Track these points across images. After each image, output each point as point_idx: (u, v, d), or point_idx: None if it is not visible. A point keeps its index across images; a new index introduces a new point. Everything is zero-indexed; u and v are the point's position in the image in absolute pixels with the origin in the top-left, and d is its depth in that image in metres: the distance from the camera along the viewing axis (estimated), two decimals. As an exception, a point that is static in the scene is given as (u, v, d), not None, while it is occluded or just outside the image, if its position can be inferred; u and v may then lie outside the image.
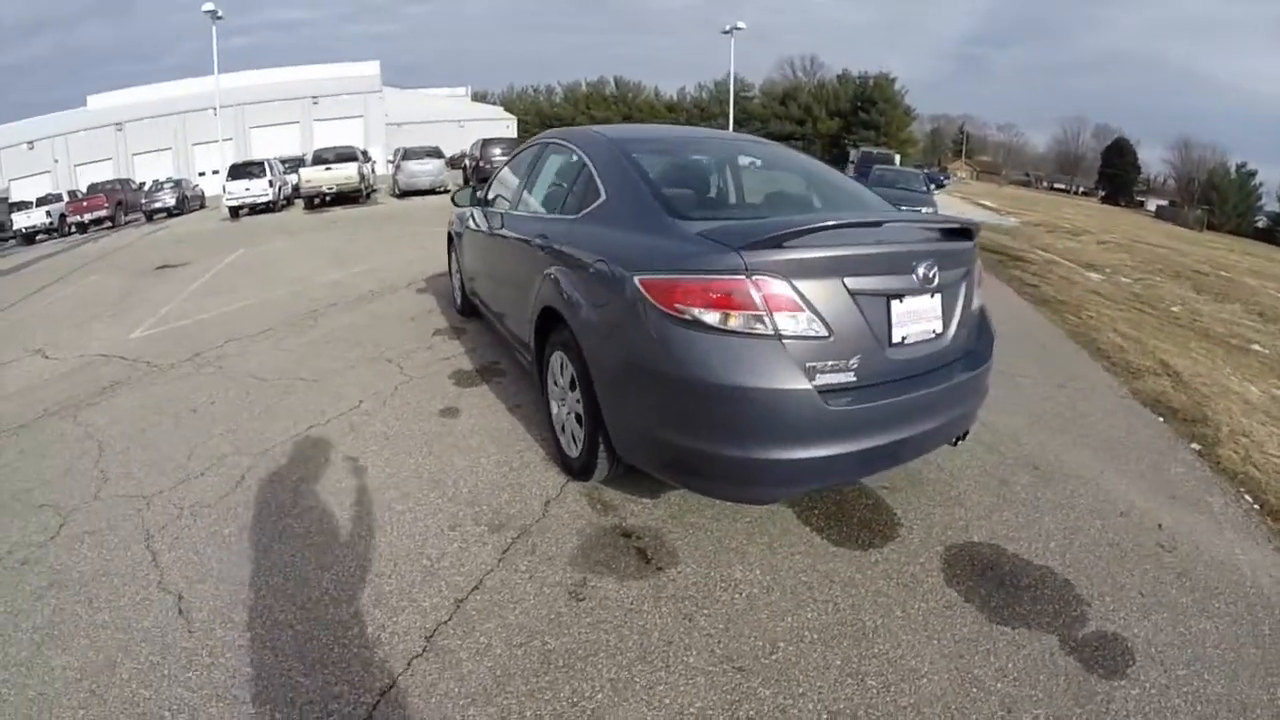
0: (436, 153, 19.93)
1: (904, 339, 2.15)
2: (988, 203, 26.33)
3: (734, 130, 33.54)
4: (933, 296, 2.23)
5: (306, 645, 1.99)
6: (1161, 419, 3.73)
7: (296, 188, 18.69)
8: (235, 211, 18.44)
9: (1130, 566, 2.33)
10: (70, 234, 21.44)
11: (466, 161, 20.31)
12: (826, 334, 1.98)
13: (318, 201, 18.46)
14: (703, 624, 1.94)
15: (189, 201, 23.91)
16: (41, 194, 25.30)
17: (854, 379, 2.04)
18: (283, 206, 19.61)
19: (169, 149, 36.34)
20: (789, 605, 2.06)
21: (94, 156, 35.16)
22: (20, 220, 22.13)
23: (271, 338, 5.86)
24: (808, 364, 1.96)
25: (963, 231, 2.45)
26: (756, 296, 1.91)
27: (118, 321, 7.26)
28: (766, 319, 1.92)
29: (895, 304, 2.13)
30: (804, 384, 1.94)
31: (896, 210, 2.89)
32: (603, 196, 2.54)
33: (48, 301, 9.27)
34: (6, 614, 2.29)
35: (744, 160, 3.42)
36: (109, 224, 22.14)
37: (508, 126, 39.69)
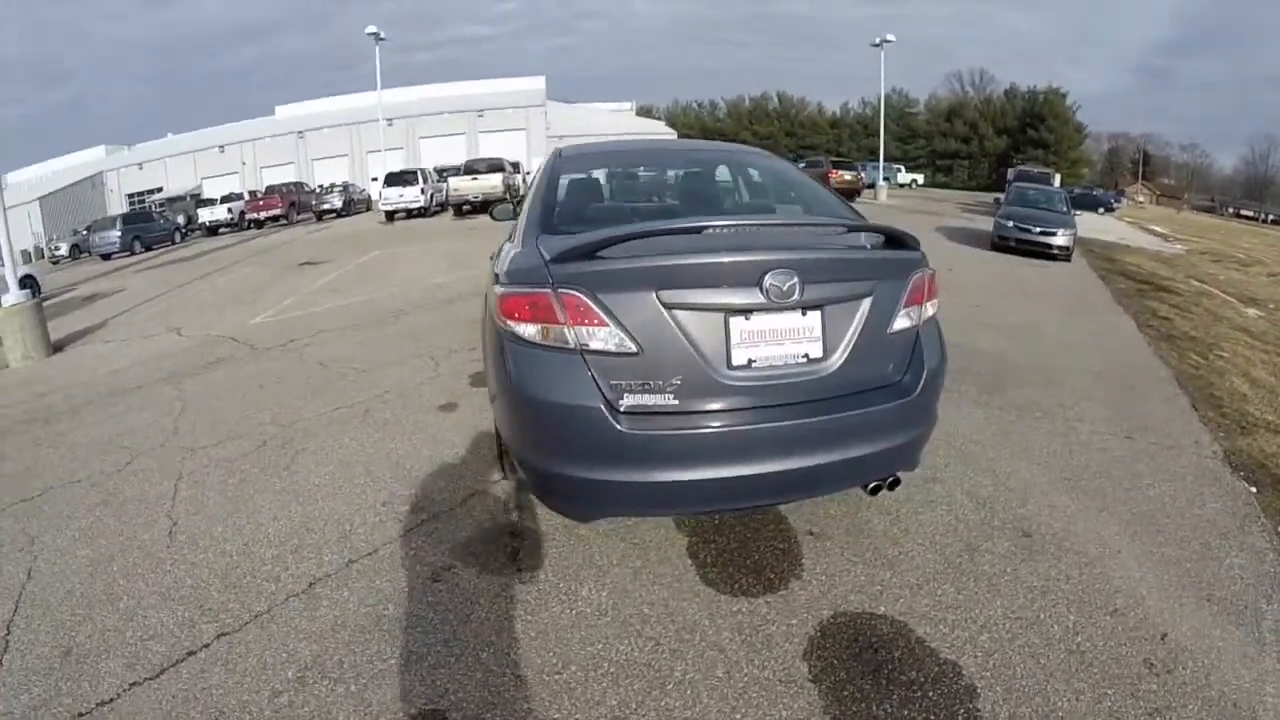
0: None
1: (750, 362, 2.03)
2: (1157, 228, 26.02)
3: (884, 150, 32.29)
4: (804, 314, 2.06)
5: (230, 572, 2.71)
6: (1254, 489, 3.28)
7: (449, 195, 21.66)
8: (390, 215, 22.04)
9: (1084, 688, 1.92)
10: (247, 229, 26.71)
11: None
12: (635, 350, 1.96)
13: (465, 208, 21.22)
14: (517, 628, 2.19)
15: (354, 204, 28.73)
16: (226, 193, 31.66)
17: (674, 402, 1.99)
18: (435, 212, 22.85)
19: (345, 156, 43.62)
20: (609, 633, 2.14)
21: (278, 160, 43.38)
22: (205, 215, 28.23)
23: (354, 332, 7.14)
24: (613, 382, 1.98)
25: (896, 240, 2.30)
26: (559, 310, 1.98)
27: (247, 309, 9.21)
28: (569, 333, 1.98)
29: (738, 321, 2.01)
30: (596, 402, 1.95)
31: (838, 217, 2.65)
32: (523, 212, 2.99)
33: (204, 287, 11.90)
34: (64, 517, 3.35)
35: (684, 171, 3.57)
36: (283, 221, 27.31)
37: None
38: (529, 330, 2.05)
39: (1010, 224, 12.67)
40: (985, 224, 14.58)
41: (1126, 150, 74.69)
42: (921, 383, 2.27)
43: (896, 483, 2.38)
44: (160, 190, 41.54)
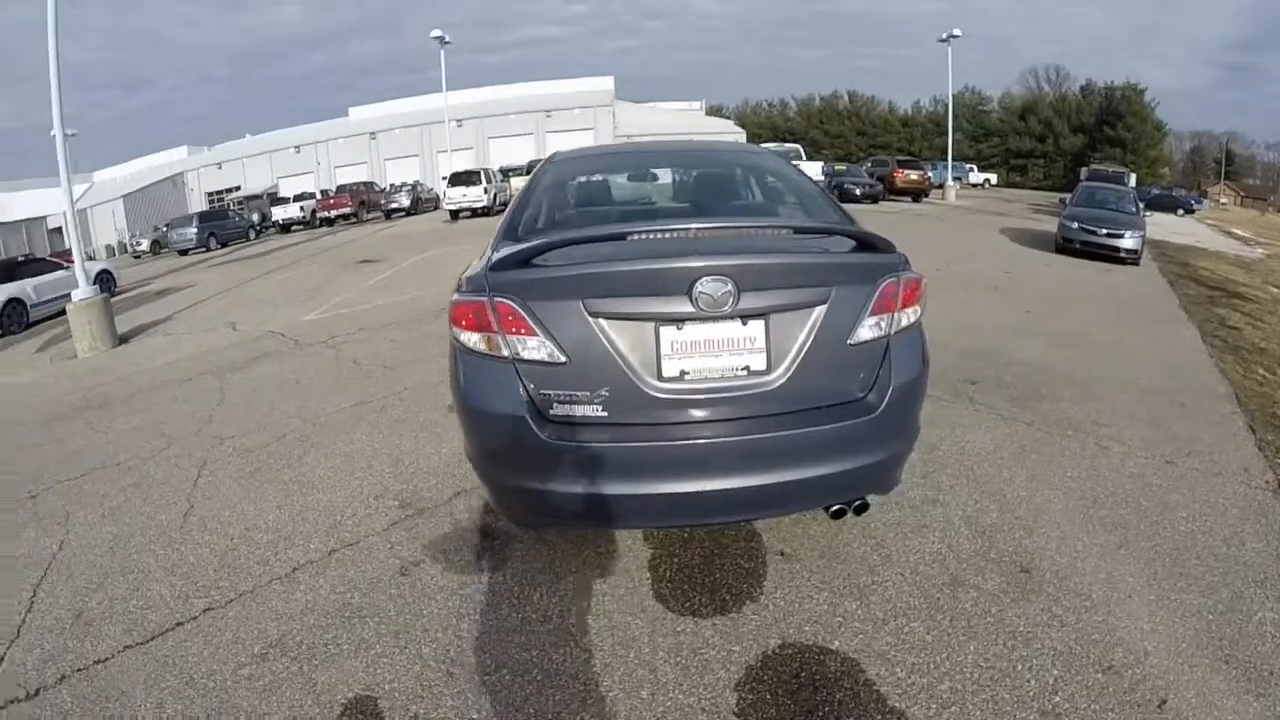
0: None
1: (683, 373, 2.01)
2: (1239, 231, 24.66)
3: (957, 149, 31.09)
4: (744, 324, 2.02)
5: (228, 554, 3.02)
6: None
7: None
8: (455, 214, 23.14)
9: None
10: (319, 227, 28.43)
11: None
12: (564, 360, 2.00)
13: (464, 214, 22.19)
14: (463, 627, 2.32)
15: (422, 203, 30.24)
16: (300, 192, 33.80)
17: (603, 414, 2.02)
18: (498, 211, 23.73)
19: (416, 156, 45.78)
20: (547, 641, 2.22)
21: (351, 160, 46.00)
22: (278, 213, 30.37)
23: (391, 330, 7.59)
24: (544, 392, 2.04)
25: (866, 244, 2.20)
26: (494, 318, 2.04)
27: (301, 305, 9.89)
28: (502, 341, 2.04)
29: (669, 331, 2.00)
30: (523, 411, 2.02)
31: (821, 220, 2.62)
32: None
33: (267, 284, 12.81)
34: (99, 496, 3.80)
35: (676, 174, 3.60)
36: (353, 219, 28.98)
37: (737, 140, 42.46)
38: (472, 339, 2.12)
39: (1075, 225, 12.26)
40: (1053, 225, 13.99)
41: (1209, 149, 73.29)
42: (887, 400, 2.13)
43: (864, 507, 2.27)
44: (238, 189, 44.74)
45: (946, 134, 32.23)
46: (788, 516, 2.81)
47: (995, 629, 2.26)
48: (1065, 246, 12.34)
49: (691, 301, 1.96)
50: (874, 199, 22.73)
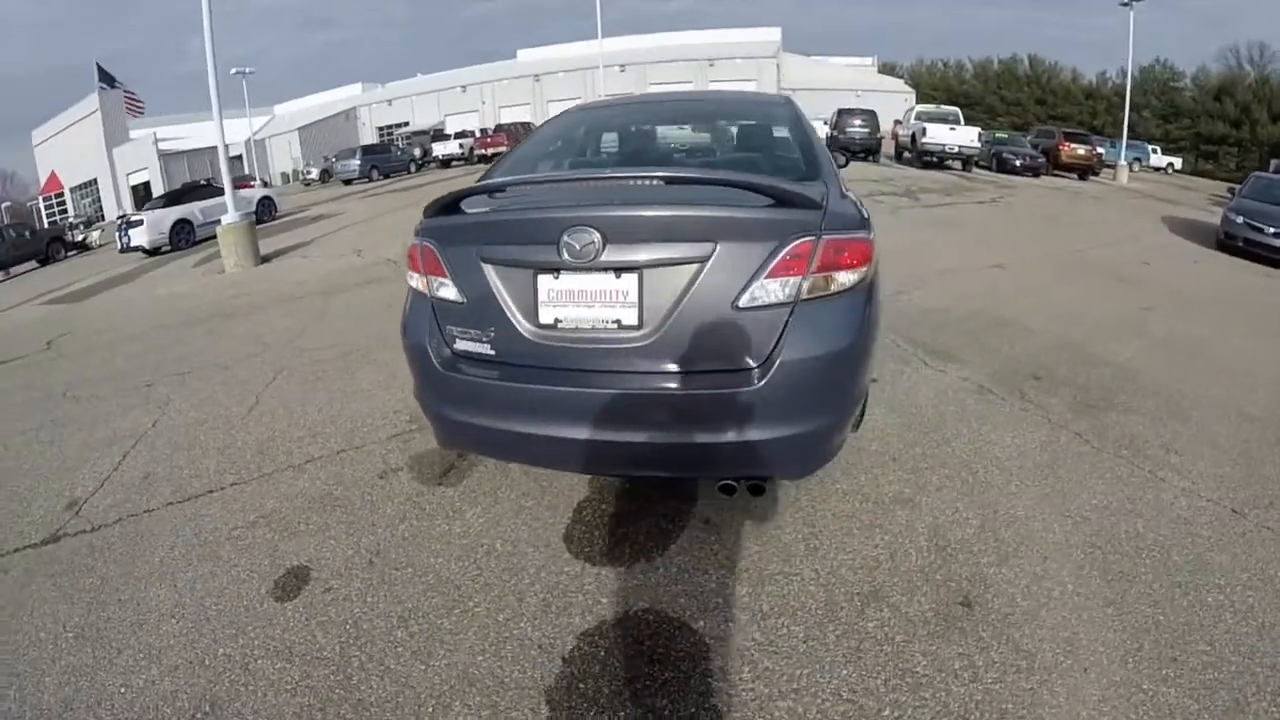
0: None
1: (556, 322, 2.14)
2: None
3: (1140, 128, 26.97)
4: (618, 277, 2.07)
5: (266, 443, 3.68)
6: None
7: None
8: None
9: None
10: (476, 163, 30.64)
11: (832, 132, 22.42)
12: (462, 300, 2.25)
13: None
14: (400, 528, 2.71)
15: (576, 144, 31.54)
16: (460, 130, 36.47)
17: (492, 352, 2.23)
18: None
19: (578, 99, 47.35)
20: (454, 552, 2.51)
21: (515, 101, 48.65)
22: (439, 149, 32.99)
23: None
24: (448, 328, 2.30)
25: (782, 200, 2.09)
26: (420, 260, 2.37)
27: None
28: (422, 281, 2.37)
29: (546, 279, 2.13)
30: (427, 343, 2.31)
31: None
32: None
33: (404, 215, 14.15)
34: (195, 388, 4.73)
35: (673, 126, 3.62)
36: (509, 157, 30.95)
37: (906, 100, 40.56)
38: (411, 277, 2.47)
39: (1239, 220, 10.47)
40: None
41: None
42: (771, 374, 2.02)
43: (758, 489, 2.26)
44: (407, 125, 48.82)
45: (1138, 110, 28.28)
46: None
47: (886, 661, 1.99)
48: (1226, 243, 10.68)
49: (559, 251, 2.05)
50: (1035, 172, 21.15)
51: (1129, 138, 29.26)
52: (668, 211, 2.09)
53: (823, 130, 26.46)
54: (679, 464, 2.19)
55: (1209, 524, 2.77)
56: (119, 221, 16.93)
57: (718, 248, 2.04)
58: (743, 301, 2.05)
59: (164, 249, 15.10)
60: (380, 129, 51.24)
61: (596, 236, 2.03)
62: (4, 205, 43.93)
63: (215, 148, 10.62)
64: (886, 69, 62.09)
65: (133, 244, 14.87)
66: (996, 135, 25.36)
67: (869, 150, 22.04)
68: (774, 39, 48.40)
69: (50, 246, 21.34)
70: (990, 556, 2.50)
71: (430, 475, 3.12)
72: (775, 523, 2.65)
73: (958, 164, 20.78)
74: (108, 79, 31.30)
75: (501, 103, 49.27)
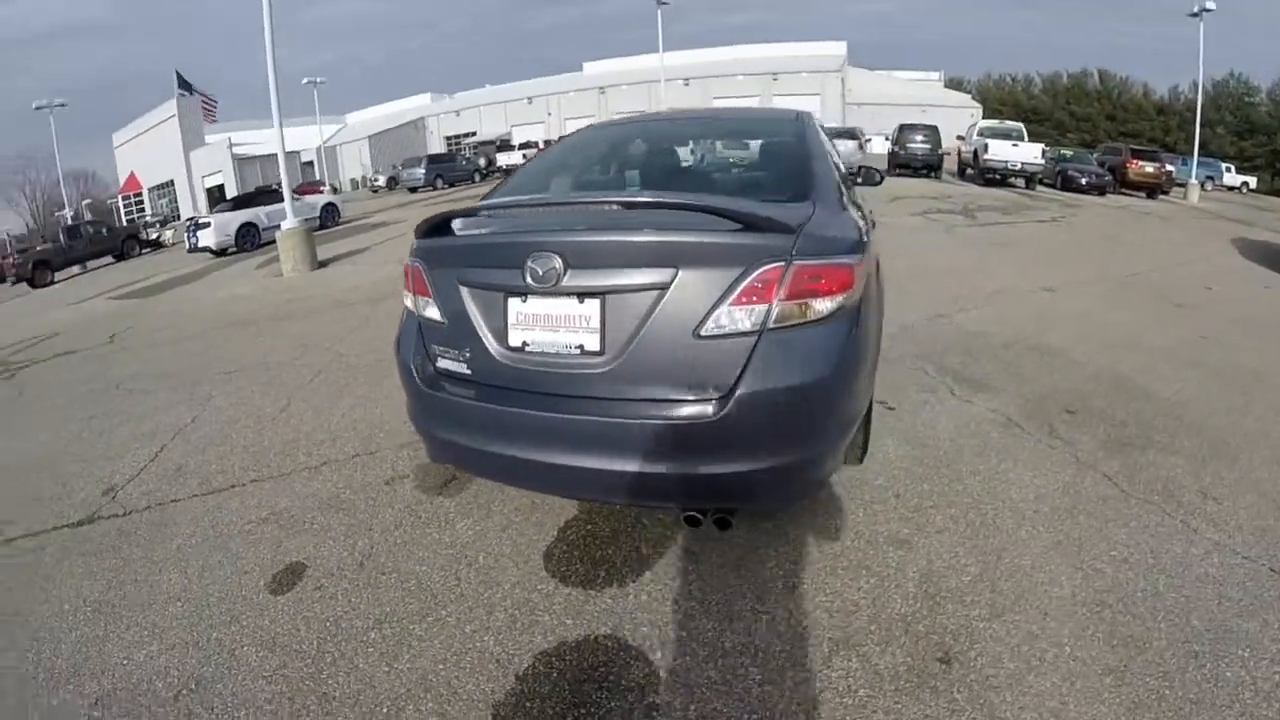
0: (850, 133, 22.29)
1: (524, 345, 2.22)
2: None
3: (1212, 145, 25.99)
4: (581, 302, 2.12)
5: (289, 444, 3.94)
6: None
7: None
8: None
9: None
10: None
11: (893, 148, 22.37)
12: (443, 320, 2.37)
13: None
14: (394, 534, 2.87)
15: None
16: (524, 140, 37.79)
17: (469, 371, 2.33)
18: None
19: (642, 111, 48.31)
20: (437, 563, 2.64)
21: (580, 113, 49.79)
22: (502, 159, 34.21)
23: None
24: (433, 346, 2.43)
25: (749, 225, 2.08)
26: (410, 279, 2.52)
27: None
28: (412, 300, 2.52)
29: (515, 303, 2.22)
30: (411, 360, 2.46)
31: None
32: None
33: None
34: (237, 387, 5.11)
35: (677, 146, 3.60)
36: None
37: (972, 115, 40.16)
38: (405, 295, 2.63)
39: None
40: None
41: None
42: (731, 405, 2.01)
43: (724, 524, 2.24)
44: (474, 134, 50.51)
45: (1205, 125, 27.07)
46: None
47: (843, 716, 1.92)
48: None
49: (524, 276, 2.12)
50: (1100, 190, 20.51)
51: (1201, 155, 28.10)
52: (626, 237, 2.13)
53: (883, 145, 26.38)
54: (639, 493, 2.19)
55: (1241, 584, 2.54)
56: (188, 223, 18.14)
57: (679, 274, 2.04)
58: (705, 330, 2.04)
59: (230, 250, 16.11)
60: (448, 138, 53.20)
61: (558, 262, 2.08)
62: (85, 203, 47.36)
63: (288, 153, 11.27)
64: (953, 83, 62.20)
65: (200, 245, 15.97)
66: (1061, 152, 24.76)
67: (930, 166, 21.75)
68: (839, 53, 49.10)
69: (125, 243, 23.08)
70: (982, 609, 2.33)
71: (432, 485, 3.29)
72: (757, 556, 2.61)
73: (1021, 181, 20.32)
74: (186, 85, 33.46)
75: (567, 114, 50.52)
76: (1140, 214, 16.80)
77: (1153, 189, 22.27)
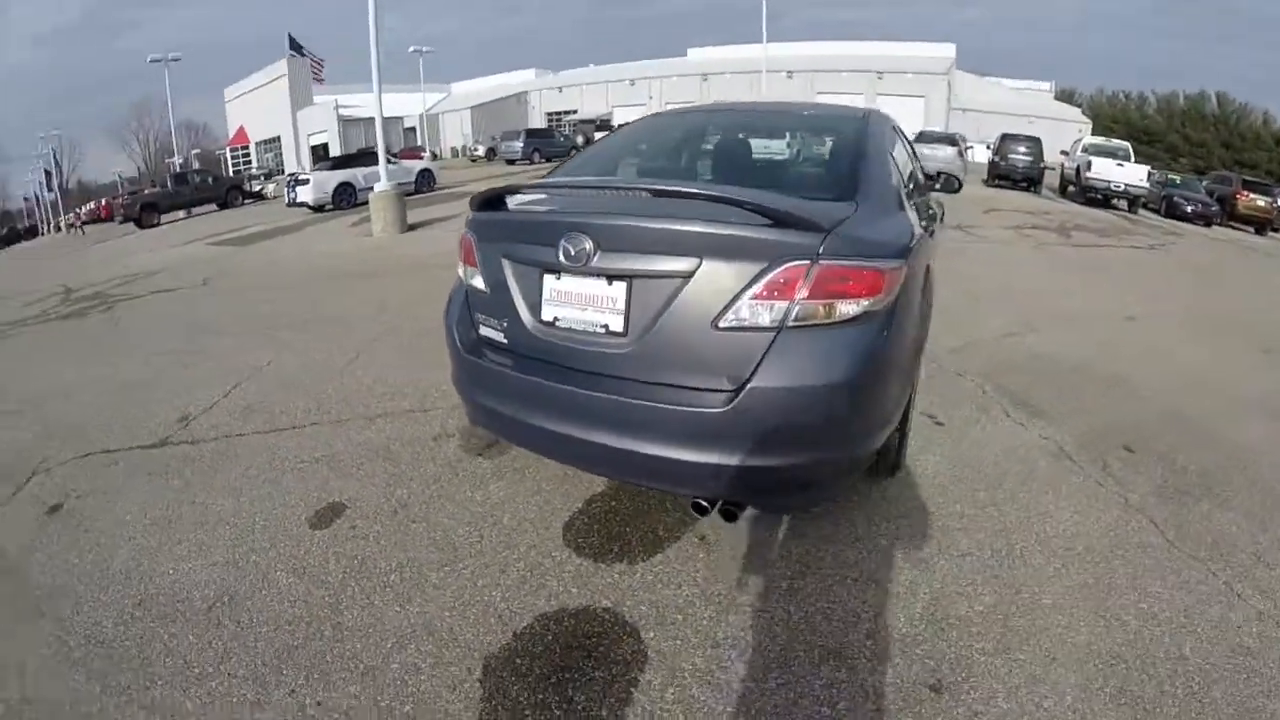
0: (950, 140, 21.91)
1: (555, 320, 2.31)
2: None
3: None
4: (610, 283, 2.19)
5: (350, 394, 4.20)
6: None
7: None
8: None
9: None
10: (631, 152, 32.30)
11: (993, 157, 21.74)
12: (486, 290, 2.51)
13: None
14: (431, 487, 3.05)
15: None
16: (622, 122, 38.37)
17: (505, 341, 2.45)
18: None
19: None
20: (466, 517, 2.80)
21: (681, 98, 49.60)
22: (600, 137, 34.44)
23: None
24: (477, 314, 2.57)
25: (777, 220, 2.05)
26: (462, 250, 2.66)
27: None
28: (462, 270, 2.67)
29: (550, 279, 2.31)
30: (455, 325, 2.62)
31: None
32: None
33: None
34: (314, 336, 5.46)
35: (732, 137, 3.60)
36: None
37: (1080, 130, 38.37)
38: (459, 266, 2.74)
39: None
40: None
41: None
42: (740, 399, 2.03)
43: (730, 516, 2.26)
44: (575, 112, 51.20)
45: None
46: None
47: None
48: None
49: (558, 254, 2.20)
50: (1206, 221, 19.22)
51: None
52: (654, 224, 2.17)
53: (985, 155, 25.41)
54: (646, 475, 2.26)
55: (1276, 652, 2.34)
56: (289, 179, 19.24)
57: (702, 264, 2.07)
58: (723, 321, 2.06)
59: (327, 207, 17.03)
60: (549, 114, 54.19)
61: (589, 243, 2.15)
62: (194, 152, 50.80)
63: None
64: (1064, 96, 59.59)
65: (298, 200, 17.03)
66: (1170, 177, 23.22)
67: (1030, 180, 20.84)
68: (947, 55, 47.62)
69: (229, 193, 24.92)
70: (988, 643, 2.22)
71: (475, 446, 3.43)
72: (769, 554, 2.61)
73: (1123, 204, 19.16)
74: (297, 47, 35.18)
75: (669, 99, 50.51)
76: (1245, 249, 15.52)
77: (1262, 224, 20.78)
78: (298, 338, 5.48)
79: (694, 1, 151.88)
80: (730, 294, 2.05)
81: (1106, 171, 18.83)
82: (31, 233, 47.93)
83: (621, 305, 2.18)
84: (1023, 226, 13.00)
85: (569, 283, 2.27)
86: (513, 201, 2.62)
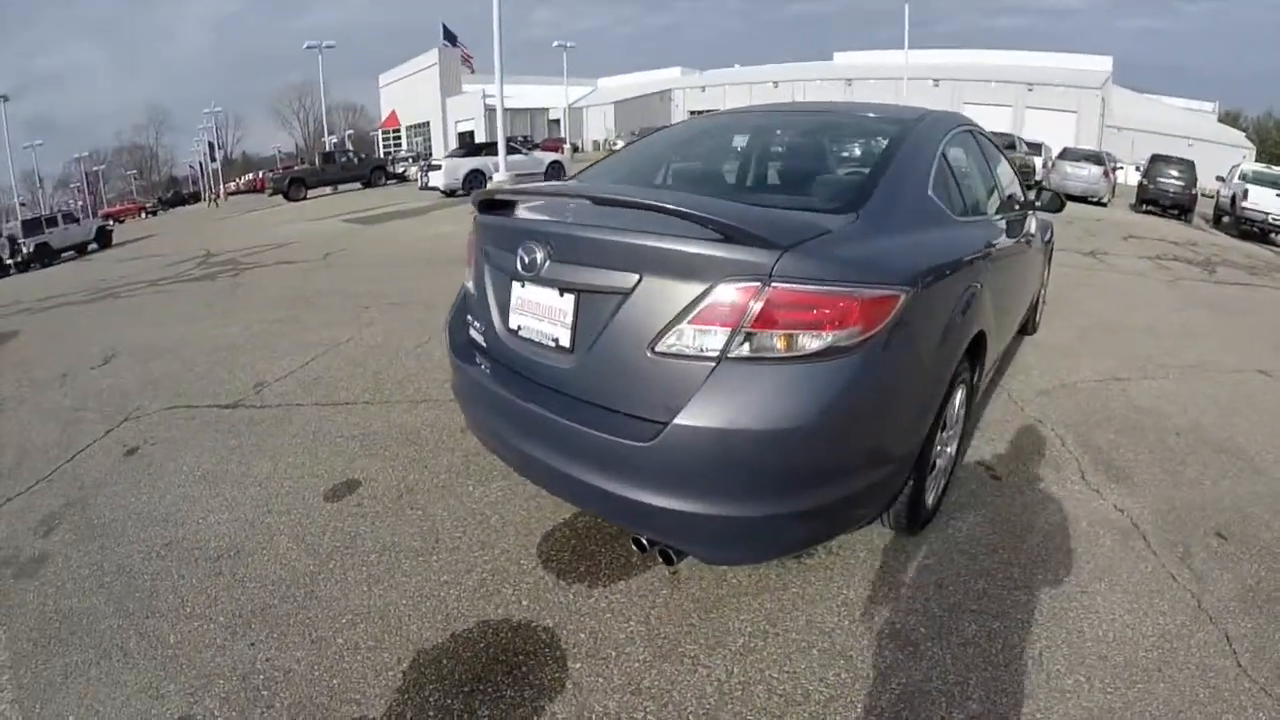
0: (1096, 158, 20.77)
1: (518, 329, 2.30)
2: None
3: None
4: (561, 295, 2.12)
5: (405, 378, 4.55)
6: None
7: None
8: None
9: None
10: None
11: (1142, 180, 20.54)
12: (474, 293, 2.57)
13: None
14: (442, 474, 3.25)
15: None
16: None
17: (485, 344, 2.48)
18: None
19: (882, 108, 47.31)
20: (459, 514, 2.93)
21: (824, 104, 48.91)
22: (735, 138, 35.31)
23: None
24: (467, 315, 2.65)
25: (730, 235, 1.86)
26: (466, 248, 2.72)
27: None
28: (466, 269, 2.73)
29: (516, 286, 2.30)
30: (449, 324, 2.77)
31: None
32: None
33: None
34: (398, 317, 5.94)
35: (748, 142, 3.49)
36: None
37: (1244, 156, 34.69)
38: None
39: None
40: None
41: None
42: (667, 434, 1.86)
43: (668, 559, 2.15)
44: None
45: None
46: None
47: None
48: None
49: (517, 261, 2.17)
50: None
51: None
52: (596, 235, 2.07)
53: (1135, 177, 23.67)
54: (585, 500, 2.25)
55: None
56: (423, 164, 20.61)
57: (641, 280, 1.93)
58: (660, 345, 1.91)
59: (458, 192, 18.10)
60: (691, 112, 54.79)
61: (540, 252, 2.11)
62: (348, 133, 55.08)
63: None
64: (1229, 118, 55.96)
65: (430, 184, 18.35)
66: None
67: (1180, 207, 18.87)
68: (1104, 69, 45.27)
69: (373, 173, 27.36)
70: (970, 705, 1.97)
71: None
72: (735, 604, 2.41)
73: None
74: (450, 37, 37.24)
75: (810, 102, 50.20)
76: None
77: None
78: (382, 317, 5.97)
79: (842, 4, 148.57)
80: (669, 316, 1.89)
81: (1265, 202, 16.62)
82: (195, 198, 54.47)
83: (569, 319, 2.11)
84: (1162, 257, 11.83)
85: (531, 291, 2.24)
86: (502, 204, 2.62)
